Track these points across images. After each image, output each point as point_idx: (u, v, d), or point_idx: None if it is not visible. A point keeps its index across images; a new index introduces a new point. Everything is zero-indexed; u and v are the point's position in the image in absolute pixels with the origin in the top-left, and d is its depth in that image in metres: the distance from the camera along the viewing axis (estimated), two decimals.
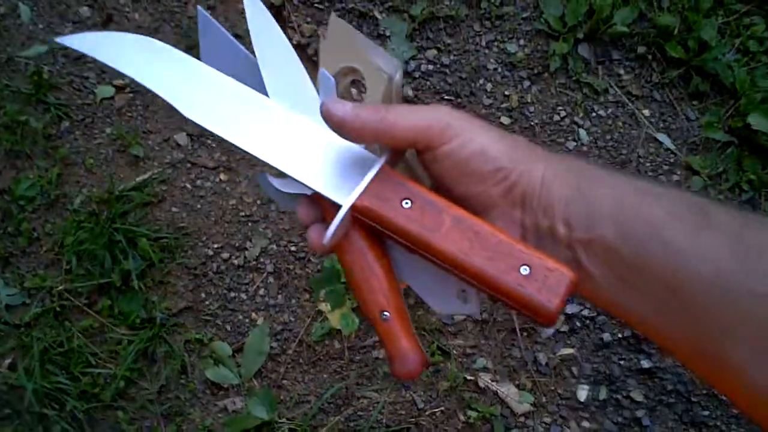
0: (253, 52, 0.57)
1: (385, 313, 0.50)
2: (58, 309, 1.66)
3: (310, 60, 1.80)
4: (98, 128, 1.80)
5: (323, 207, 0.53)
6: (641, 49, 1.88)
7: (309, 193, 0.52)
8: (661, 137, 1.84)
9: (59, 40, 0.57)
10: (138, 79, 0.55)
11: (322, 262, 1.71)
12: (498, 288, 0.46)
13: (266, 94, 0.55)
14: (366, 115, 0.47)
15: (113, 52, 0.56)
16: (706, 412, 1.66)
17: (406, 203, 0.47)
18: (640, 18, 1.90)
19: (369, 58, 0.52)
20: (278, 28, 0.56)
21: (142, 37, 0.57)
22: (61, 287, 1.66)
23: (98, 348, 1.66)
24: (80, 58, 1.84)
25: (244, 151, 0.52)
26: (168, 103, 0.53)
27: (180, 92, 0.54)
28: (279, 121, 0.53)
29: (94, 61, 1.81)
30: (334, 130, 0.49)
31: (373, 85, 0.52)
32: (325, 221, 0.52)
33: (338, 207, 0.49)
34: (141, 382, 1.65)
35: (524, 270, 0.45)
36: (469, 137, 0.47)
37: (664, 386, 1.67)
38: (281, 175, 0.53)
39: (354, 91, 0.57)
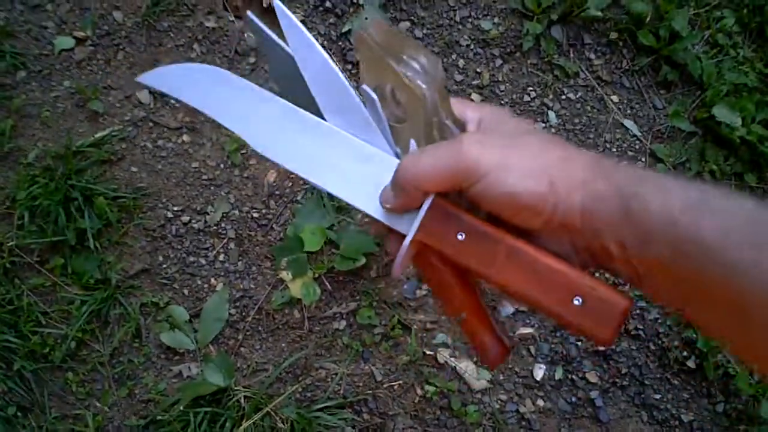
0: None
1: (462, 315, 0.55)
2: (8, 265, 1.66)
3: None
4: (56, 80, 1.80)
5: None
6: (613, 35, 1.96)
7: None
8: (628, 123, 1.92)
9: (141, 80, 0.58)
10: (214, 116, 0.57)
11: (284, 230, 1.75)
12: (553, 316, 0.49)
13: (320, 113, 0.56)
14: (400, 196, 0.51)
15: (188, 88, 0.57)
16: (658, 396, 1.76)
17: (461, 236, 0.50)
18: (614, 4, 1.97)
19: (400, 77, 0.53)
20: (315, 42, 0.56)
21: (208, 67, 0.57)
22: (12, 243, 1.66)
23: (49, 307, 1.67)
24: (38, 6, 1.83)
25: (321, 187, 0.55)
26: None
27: (253, 130, 0.56)
28: (341, 150, 0.55)
29: (54, 10, 1.82)
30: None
31: (411, 107, 0.53)
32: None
33: (402, 235, 0.52)
34: (93, 344, 1.67)
35: (577, 301, 0.48)
36: (495, 178, 0.47)
37: (619, 369, 1.76)
38: None
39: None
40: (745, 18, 1.98)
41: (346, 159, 0.54)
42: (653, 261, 0.44)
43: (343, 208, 1.76)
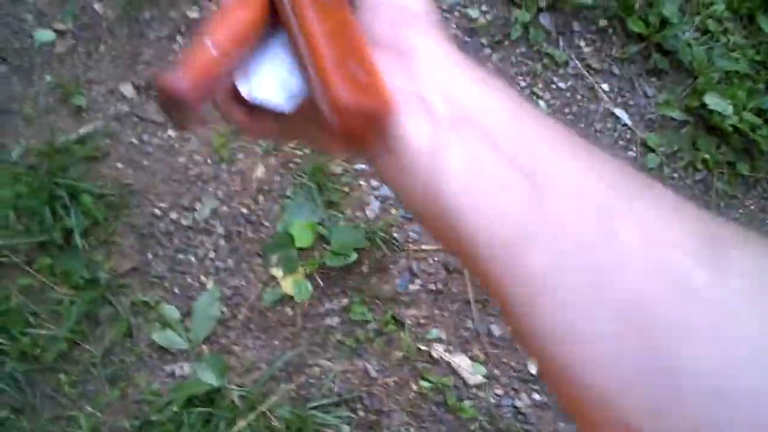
0: None
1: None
2: None
3: None
4: (37, 75, 1.78)
5: None
6: (602, 22, 1.98)
7: None
8: (619, 112, 1.94)
9: None
10: None
11: (274, 226, 1.75)
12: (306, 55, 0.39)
13: None
14: None
15: None
16: None
17: None
18: None
19: None
20: None
21: None
22: None
23: (38, 308, 1.66)
24: None
25: None
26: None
27: None
28: None
29: (34, 2, 1.80)
30: None
31: None
32: None
33: None
34: (84, 345, 1.67)
35: (350, 63, 0.38)
36: None
37: None
38: None
39: None
40: (736, 4, 2.00)
41: None
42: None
43: (333, 203, 1.77)
